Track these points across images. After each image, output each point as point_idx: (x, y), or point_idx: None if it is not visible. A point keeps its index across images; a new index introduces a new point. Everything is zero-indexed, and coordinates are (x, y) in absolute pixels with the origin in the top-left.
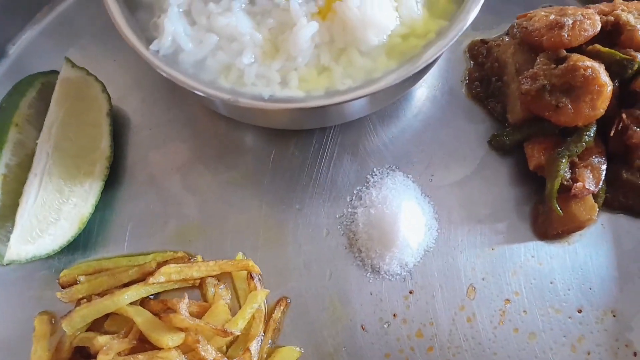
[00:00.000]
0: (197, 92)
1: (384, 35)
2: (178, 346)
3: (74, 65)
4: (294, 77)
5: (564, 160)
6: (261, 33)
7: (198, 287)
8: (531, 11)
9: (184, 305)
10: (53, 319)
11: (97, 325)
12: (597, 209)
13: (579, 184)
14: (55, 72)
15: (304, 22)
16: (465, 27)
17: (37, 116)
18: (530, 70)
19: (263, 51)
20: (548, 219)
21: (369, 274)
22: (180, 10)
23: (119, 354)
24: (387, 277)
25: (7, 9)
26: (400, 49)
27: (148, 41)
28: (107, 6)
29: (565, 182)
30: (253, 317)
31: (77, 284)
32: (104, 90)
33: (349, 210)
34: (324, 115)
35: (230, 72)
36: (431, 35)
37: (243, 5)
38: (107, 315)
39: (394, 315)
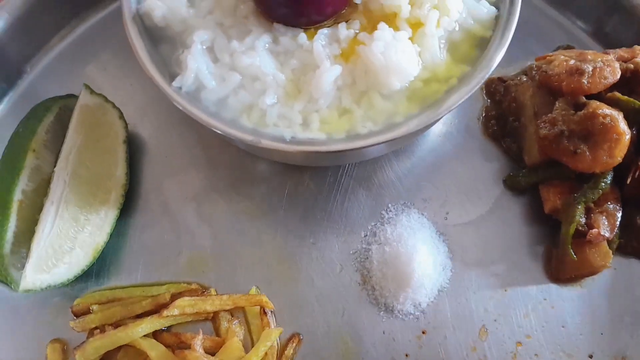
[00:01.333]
0: (219, 131)
1: (406, 80)
2: None
3: (92, 91)
4: (315, 119)
5: (580, 206)
6: (284, 74)
7: (211, 320)
8: (551, 53)
9: (198, 342)
10: (65, 347)
11: (109, 356)
12: (611, 255)
13: (595, 231)
14: (72, 96)
15: (327, 65)
16: (488, 74)
17: (54, 140)
18: (550, 114)
19: (286, 92)
20: (561, 262)
21: (382, 312)
22: (204, 47)
23: None
24: (400, 316)
25: (24, 32)
26: (422, 94)
27: (171, 76)
28: (131, 40)
29: (581, 228)
30: (265, 354)
31: (90, 312)
32: (121, 117)
33: (363, 246)
34: (344, 156)
35: (252, 111)
36: (453, 81)
37: (267, 45)
38: (119, 347)
39: (406, 355)
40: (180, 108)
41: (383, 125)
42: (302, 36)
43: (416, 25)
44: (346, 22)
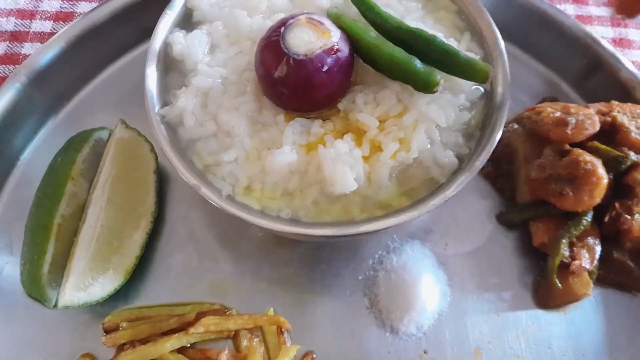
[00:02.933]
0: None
1: (344, 191)
2: None
3: (127, 126)
4: (257, 189)
5: (564, 241)
6: (252, 140)
7: (232, 338)
8: (539, 105)
9: (224, 357)
10: None
11: None
12: (592, 285)
13: (577, 262)
14: (104, 129)
15: (288, 150)
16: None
17: (89, 169)
18: (539, 160)
19: (246, 155)
20: (548, 291)
21: (387, 333)
22: (200, 91)
23: None
24: (405, 337)
25: (70, 65)
26: (355, 208)
27: (164, 103)
28: (146, 70)
29: (565, 260)
30: None
31: (120, 329)
32: (152, 150)
33: (371, 273)
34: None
35: (209, 157)
36: (390, 209)
37: (249, 113)
38: None
39: None
40: (157, 138)
41: (312, 219)
42: (281, 117)
43: (377, 148)
44: (323, 120)
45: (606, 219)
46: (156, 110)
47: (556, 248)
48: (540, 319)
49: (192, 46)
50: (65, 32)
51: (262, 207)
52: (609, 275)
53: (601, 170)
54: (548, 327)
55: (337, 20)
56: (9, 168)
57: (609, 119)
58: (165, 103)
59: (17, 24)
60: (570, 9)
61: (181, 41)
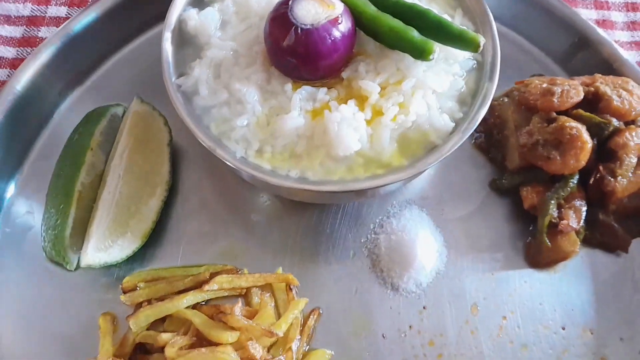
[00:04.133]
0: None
1: (348, 152)
2: (231, 343)
3: (142, 100)
4: (268, 151)
5: (553, 202)
6: (262, 107)
7: (244, 296)
8: (527, 79)
9: (237, 309)
10: (114, 319)
11: (155, 326)
12: (579, 243)
13: (565, 222)
14: (119, 105)
15: (295, 115)
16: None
17: (106, 142)
18: (527, 127)
19: (257, 121)
20: (539, 250)
21: (389, 291)
22: (213, 62)
23: (180, 348)
24: (405, 294)
25: (98, 37)
26: (359, 169)
27: (180, 75)
28: (162, 45)
29: (554, 220)
30: (291, 323)
31: (138, 289)
32: (166, 123)
33: (373, 236)
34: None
35: (224, 124)
36: (390, 168)
37: (259, 81)
38: (164, 318)
39: (410, 326)
40: (174, 106)
41: (319, 178)
42: (289, 86)
43: (378, 112)
44: (328, 88)
45: (591, 181)
46: (173, 80)
47: (545, 209)
48: (531, 278)
49: (205, 22)
50: (86, 11)
51: (272, 167)
52: (594, 236)
53: (586, 135)
54: (539, 285)
55: None
56: (30, 142)
57: (592, 89)
58: (180, 74)
59: (33, 9)
60: None
61: (195, 17)
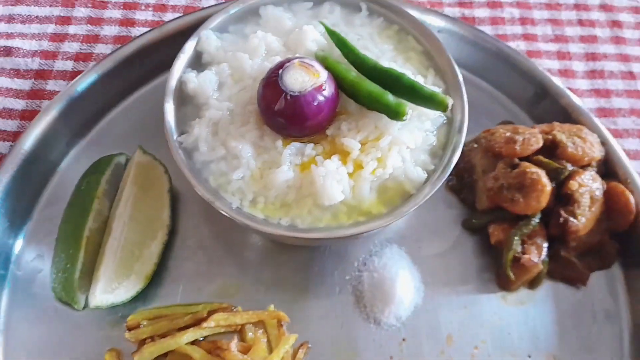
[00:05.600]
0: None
1: (332, 202)
2: None
3: (145, 151)
4: (261, 202)
5: (516, 238)
6: (256, 162)
7: (238, 331)
8: (493, 128)
9: (234, 345)
10: (119, 355)
11: None
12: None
13: (526, 256)
14: (123, 154)
15: (285, 169)
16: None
17: (110, 190)
18: (493, 173)
19: (251, 174)
20: (507, 280)
21: (371, 324)
22: (212, 122)
23: None
24: (386, 327)
25: (96, 96)
26: (343, 217)
27: (181, 132)
28: (165, 106)
29: (517, 255)
30: (282, 357)
31: (141, 327)
32: (166, 172)
33: (357, 273)
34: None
35: (221, 177)
36: (370, 216)
37: (253, 138)
38: (166, 353)
39: (391, 357)
40: (176, 161)
41: (307, 225)
42: (279, 142)
43: (359, 166)
44: (314, 144)
45: (554, 223)
46: (175, 138)
47: (509, 244)
48: (501, 310)
49: (203, 84)
50: (92, 70)
51: (265, 216)
52: (557, 270)
53: (545, 179)
54: (507, 317)
55: (324, 61)
56: (40, 189)
57: (550, 136)
58: (181, 132)
59: (41, 63)
60: (522, 45)
61: (194, 80)
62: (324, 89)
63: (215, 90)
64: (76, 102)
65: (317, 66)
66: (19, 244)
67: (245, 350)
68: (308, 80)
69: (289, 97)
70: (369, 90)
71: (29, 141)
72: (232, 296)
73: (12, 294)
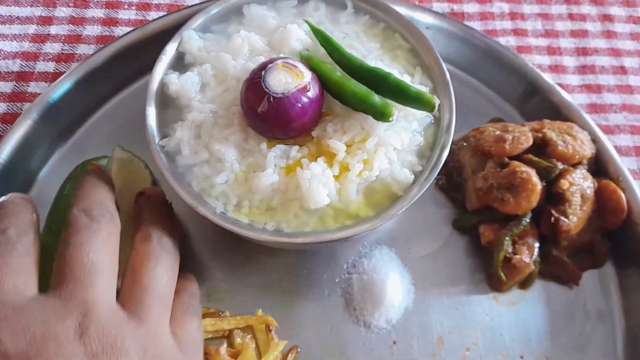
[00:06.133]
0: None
1: (318, 205)
2: None
3: (123, 149)
4: (246, 206)
5: (507, 238)
6: (240, 165)
7: (226, 337)
8: (482, 126)
9: (223, 349)
10: None
11: None
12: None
13: (518, 257)
14: (105, 157)
15: (270, 172)
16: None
17: None
18: (482, 172)
19: (235, 178)
20: (498, 280)
21: (361, 328)
22: (194, 125)
23: None
24: (376, 330)
25: (74, 102)
26: (329, 220)
27: (163, 136)
28: (146, 109)
29: (508, 255)
30: None
31: None
32: (147, 167)
33: (346, 275)
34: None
35: (204, 181)
36: (358, 219)
37: (237, 141)
38: None
39: None
40: (158, 166)
41: (293, 229)
42: (264, 145)
43: (345, 168)
44: (300, 146)
45: (545, 223)
46: (156, 141)
47: (500, 244)
48: (492, 311)
49: (186, 86)
50: (71, 73)
51: (250, 221)
52: (548, 270)
53: (535, 179)
54: (499, 318)
55: (309, 61)
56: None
57: (540, 134)
58: (163, 135)
59: (22, 65)
60: (512, 40)
61: (176, 82)
62: (308, 90)
63: (197, 92)
64: (57, 104)
65: (301, 67)
66: None
67: (234, 356)
68: (292, 81)
69: (272, 99)
70: (354, 91)
71: (7, 148)
72: (220, 301)
73: None
